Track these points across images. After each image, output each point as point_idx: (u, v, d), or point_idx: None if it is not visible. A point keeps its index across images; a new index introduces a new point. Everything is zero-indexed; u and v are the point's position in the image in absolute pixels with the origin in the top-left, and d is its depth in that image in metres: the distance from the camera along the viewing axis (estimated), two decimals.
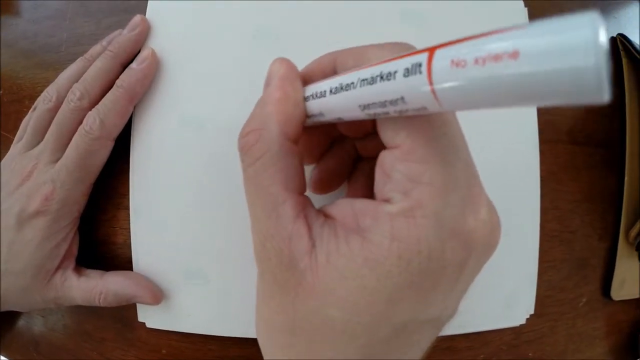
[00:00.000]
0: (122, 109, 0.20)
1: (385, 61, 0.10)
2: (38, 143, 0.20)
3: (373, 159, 0.16)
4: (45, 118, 0.20)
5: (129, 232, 0.21)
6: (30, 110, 0.22)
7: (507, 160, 0.21)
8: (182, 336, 0.21)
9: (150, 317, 0.21)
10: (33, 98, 0.22)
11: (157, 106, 0.20)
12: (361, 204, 0.12)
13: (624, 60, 0.25)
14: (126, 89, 0.19)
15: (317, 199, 0.15)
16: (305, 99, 0.13)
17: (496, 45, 0.07)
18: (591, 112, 0.24)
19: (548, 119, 0.22)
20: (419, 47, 0.22)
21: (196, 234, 0.20)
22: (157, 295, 0.20)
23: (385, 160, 0.12)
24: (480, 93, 0.08)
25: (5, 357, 0.26)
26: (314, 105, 0.13)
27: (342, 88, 0.11)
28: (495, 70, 0.07)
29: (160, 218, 0.21)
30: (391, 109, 0.10)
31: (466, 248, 0.11)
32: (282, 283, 0.12)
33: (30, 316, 0.25)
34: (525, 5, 0.22)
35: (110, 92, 0.20)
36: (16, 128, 0.22)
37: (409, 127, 0.11)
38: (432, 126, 0.11)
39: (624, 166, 0.24)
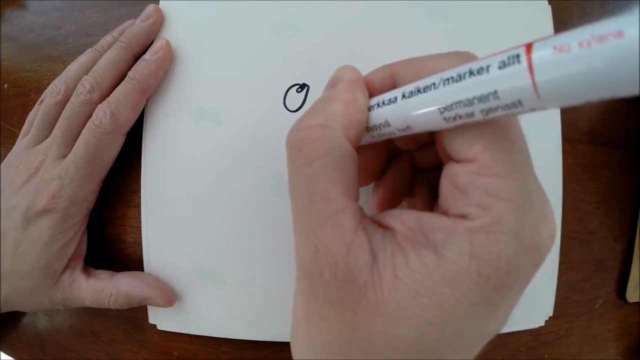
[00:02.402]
0: (134, 102, 0.18)
1: (473, 62, 0.09)
2: (45, 138, 0.19)
3: (427, 171, 0.15)
4: (53, 112, 0.19)
5: (140, 230, 0.20)
6: (36, 104, 0.21)
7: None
8: (194, 338, 0.20)
9: (162, 319, 0.20)
10: (39, 91, 0.21)
11: (171, 100, 0.19)
12: (430, 219, 0.11)
13: None
14: (139, 81, 0.18)
15: None
16: (370, 108, 0.12)
17: (599, 28, 0.07)
18: (611, 112, 0.23)
19: (569, 119, 0.21)
20: (444, 44, 0.20)
21: (212, 235, 0.19)
22: (170, 297, 0.19)
23: (457, 174, 0.11)
24: (585, 77, 0.07)
25: (10, 356, 0.25)
26: (378, 114, 0.12)
27: (419, 91, 0.10)
28: (601, 52, 0.06)
29: (173, 217, 0.19)
30: (478, 108, 0.09)
31: (537, 262, 0.10)
32: (336, 302, 0.11)
33: (35, 315, 0.24)
34: (549, 4, 0.21)
35: (121, 84, 0.18)
36: (22, 123, 0.21)
37: (484, 140, 0.10)
38: (508, 139, 0.10)
39: None
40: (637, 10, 0.06)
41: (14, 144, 0.20)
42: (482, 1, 0.20)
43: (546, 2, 0.21)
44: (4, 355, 0.25)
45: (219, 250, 0.19)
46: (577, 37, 0.07)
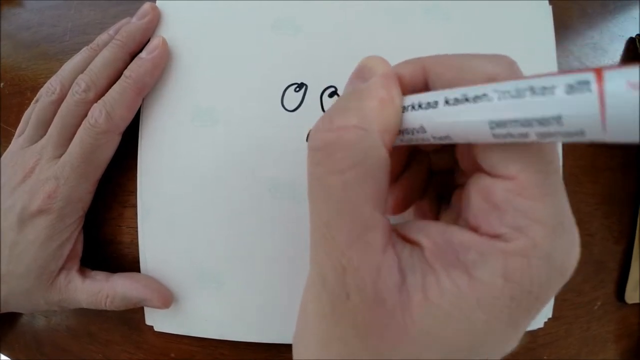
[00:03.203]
0: (130, 101, 0.18)
1: (534, 76, 0.08)
2: (40, 137, 0.19)
3: (438, 173, 0.15)
4: (49, 111, 0.19)
5: (136, 231, 0.19)
6: (32, 103, 0.20)
7: None
8: (192, 339, 0.20)
9: (159, 320, 0.20)
10: (35, 90, 0.21)
11: (167, 99, 0.19)
12: (461, 236, 0.10)
13: None
14: (135, 80, 0.18)
15: None
16: (403, 109, 0.11)
17: None
18: None
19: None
20: (445, 44, 0.20)
21: (209, 235, 0.19)
22: (167, 299, 0.18)
23: (494, 190, 0.10)
24: None
25: (8, 356, 0.25)
26: (413, 118, 0.10)
27: (467, 99, 0.09)
28: None
29: (170, 217, 0.19)
30: (535, 130, 0.08)
31: (562, 284, 0.10)
32: (361, 326, 0.10)
33: (33, 316, 0.24)
34: (550, 4, 0.21)
35: (117, 83, 0.18)
36: (18, 122, 0.20)
37: (524, 159, 0.10)
38: (547, 161, 0.10)
39: None
40: None
41: (10, 144, 0.20)
42: (483, 1, 0.19)
43: (547, 2, 0.21)
44: (2, 356, 0.25)
45: (216, 251, 0.19)
46: None
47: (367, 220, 0.10)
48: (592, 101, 0.07)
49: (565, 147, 0.21)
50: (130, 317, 0.21)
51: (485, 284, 0.09)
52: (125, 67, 0.18)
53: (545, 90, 0.08)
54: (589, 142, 0.08)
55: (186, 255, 0.19)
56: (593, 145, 0.22)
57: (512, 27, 0.20)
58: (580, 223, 0.22)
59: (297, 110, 0.18)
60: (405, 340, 0.09)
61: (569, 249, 0.10)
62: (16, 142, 0.19)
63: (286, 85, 0.18)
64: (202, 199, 0.19)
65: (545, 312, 0.21)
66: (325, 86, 0.18)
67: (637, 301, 0.24)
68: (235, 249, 0.18)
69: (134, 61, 0.18)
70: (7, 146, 0.20)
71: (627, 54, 0.23)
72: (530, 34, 0.20)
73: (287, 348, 0.20)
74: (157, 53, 0.18)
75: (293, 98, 0.18)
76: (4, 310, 0.19)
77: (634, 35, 0.24)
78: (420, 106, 0.10)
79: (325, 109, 0.18)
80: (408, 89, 0.11)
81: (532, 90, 0.08)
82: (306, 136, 0.18)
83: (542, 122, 0.08)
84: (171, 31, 0.19)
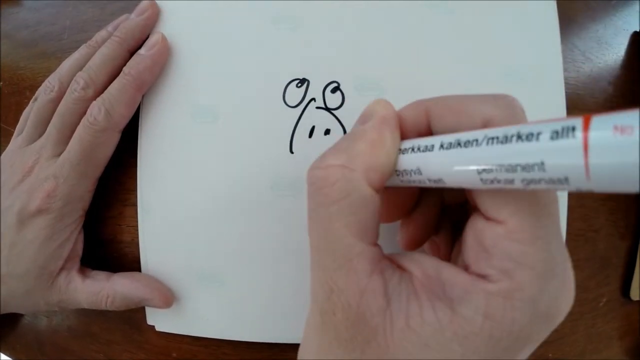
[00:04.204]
0: (130, 99, 0.17)
1: (534, 122, 0.09)
2: (39, 136, 0.18)
3: (452, 207, 0.14)
4: (47, 109, 0.18)
5: (137, 230, 0.19)
6: (31, 101, 0.20)
7: None
8: (194, 339, 0.20)
9: (160, 320, 0.19)
10: (34, 89, 0.20)
11: (167, 96, 0.18)
12: (450, 273, 0.10)
13: None
14: (134, 77, 0.17)
15: None
16: (402, 151, 0.11)
17: None
18: (616, 108, 0.22)
19: (575, 115, 0.21)
20: (449, 39, 0.19)
21: (210, 234, 0.18)
22: (168, 298, 0.18)
23: (484, 233, 0.10)
24: None
25: (9, 357, 0.25)
26: (410, 160, 0.11)
27: (459, 144, 0.10)
28: None
29: (170, 216, 0.19)
30: (520, 176, 0.08)
31: (550, 328, 0.10)
32: (345, 340, 0.10)
33: (34, 316, 0.24)
34: None
35: (116, 80, 0.17)
36: (17, 121, 0.20)
37: (516, 202, 0.10)
38: (539, 204, 0.10)
39: None
40: None
41: (9, 143, 0.19)
42: None
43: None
44: (3, 356, 0.25)
45: (218, 250, 0.18)
46: None
47: (350, 248, 0.10)
48: (576, 148, 0.07)
49: None
50: (131, 317, 0.20)
51: (466, 319, 0.10)
52: (125, 64, 0.18)
53: (531, 136, 0.08)
54: (577, 192, 0.08)
55: (187, 254, 0.18)
56: None
57: (517, 22, 0.19)
58: (585, 219, 0.22)
59: (299, 106, 0.18)
60: (386, 357, 0.10)
61: (557, 295, 0.10)
62: (15, 142, 0.19)
63: (288, 81, 0.18)
64: (203, 196, 0.18)
65: None
66: (328, 81, 0.18)
67: None
68: (237, 247, 0.18)
69: (133, 58, 0.18)
70: (6, 145, 0.20)
71: (631, 48, 0.23)
72: (535, 29, 0.19)
73: (289, 347, 0.19)
74: (156, 49, 0.18)
75: (295, 94, 0.18)
76: (3, 312, 0.19)
77: (638, 29, 0.24)
78: (418, 149, 0.11)
79: (328, 104, 0.18)
80: (412, 131, 0.12)
81: (519, 136, 0.08)
82: (308, 133, 0.18)
83: (526, 168, 0.08)
84: (170, 27, 0.19)
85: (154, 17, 0.18)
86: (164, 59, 0.18)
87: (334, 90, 0.18)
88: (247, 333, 0.19)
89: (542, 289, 0.09)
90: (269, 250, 0.18)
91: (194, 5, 0.19)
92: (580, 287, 0.22)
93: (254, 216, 0.18)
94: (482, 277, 0.10)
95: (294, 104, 0.18)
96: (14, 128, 0.20)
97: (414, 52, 0.18)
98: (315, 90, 0.18)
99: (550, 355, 0.23)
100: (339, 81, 0.18)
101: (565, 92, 0.19)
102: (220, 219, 0.18)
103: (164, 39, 0.18)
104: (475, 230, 0.11)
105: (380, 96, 0.18)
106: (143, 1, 0.18)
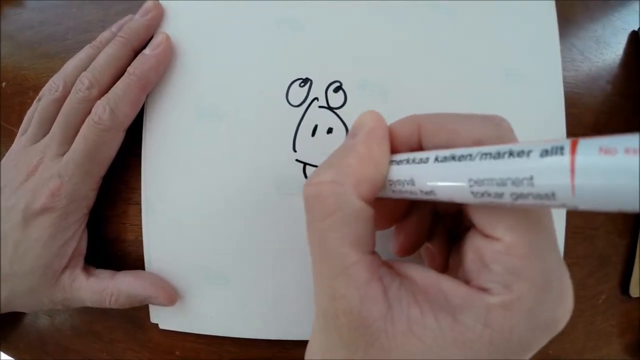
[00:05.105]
0: (134, 98, 0.18)
1: (514, 143, 0.09)
2: (44, 136, 0.19)
3: (446, 215, 0.15)
4: (51, 109, 0.18)
5: (141, 228, 0.19)
6: (35, 101, 0.20)
7: None
8: (197, 337, 0.20)
9: (164, 318, 0.19)
10: (38, 89, 0.20)
11: (171, 95, 0.19)
12: (451, 286, 0.11)
13: None
14: (138, 77, 0.17)
15: None
16: (397, 162, 0.12)
17: None
18: (616, 108, 0.23)
19: (574, 113, 0.21)
20: (449, 40, 0.20)
21: (214, 232, 0.18)
22: (172, 296, 0.18)
23: (483, 250, 0.11)
24: (627, 189, 0.07)
25: (12, 356, 0.25)
26: (404, 170, 0.11)
27: (453, 158, 0.10)
28: None
29: (174, 214, 0.19)
30: (509, 190, 0.09)
31: (549, 335, 0.11)
32: (349, 342, 0.11)
33: (37, 315, 0.23)
34: None
35: (121, 80, 0.18)
36: (20, 121, 0.20)
37: (510, 219, 0.10)
38: (533, 219, 0.10)
39: None
40: None
41: (13, 143, 0.20)
42: None
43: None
44: (5, 356, 0.25)
45: (221, 248, 0.18)
46: (626, 143, 0.07)
47: (346, 258, 0.11)
48: (563, 165, 0.08)
49: None
50: (134, 315, 0.20)
51: (467, 327, 0.10)
52: (129, 64, 0.18)
53: (522, 153, 0.09)
54: (562, 208, 0.08)
55: (191, 252, 0.19)
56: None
57: (516, 22, 0.19)
58: (584, 216, 0.22)
59: (302, 105, 0.18)
60: (388, 359, 0.10)
61: (554, 305, 0.10)
62: (19, 141, 0.19)
63: (291, 81, 0.18)
64: (207, 195, 0.18)
65: None
66: (330, 81, 0.18)
67: None
68: (240, 245, 0.18)
69: (137, 58, 0.18)
70: (10, 146, 0.20)
71: (630, 47, 0.23)
72: (535, 29, 0.20)
73: (292, 344, 0.19)
74: (160, 49, 0.18)
75: (298, 93, 0.18)
76: (7, 310, 0.19)
77: (636, 29, 0.24)
78: (413, 161, 0.11)
79: (331, 104, 0.18)
80: (403, 145, 0.12)
81: (511, 152, 0.09)
82: (311, 132, 0.18)
83: (516, 182, 0.09)
84: (174, 28, 0.19)
85: (158, 17, 0.19)
86: (168, 59, 0.18)
87: (336, 90, 0.18)
88: (250, 330, 0.19)
89: (540, 300, 0.10)
90: (272, 248, 0.18)
91: (197, 5, 0.19)
92: (579, 285, 0.22)
93: (256, 214, 0.18)
94: (483, 289, 0.10)
95: (297, 103, 0.18)
96: (17, 128, 0.20)
97: (414, 52, 0.18)
98: (318, 90, 0.18)
99: (550, 352, 0.23)
100: (341, 81, 0.18)
101: (564, 91, 0.19)
102: (223, 217, 0.18)
103: (168, 39, 0.18)
104: (475, 247, 0.11)
105: (382, 95, 0.18)
106: (147, 1, 0.19)
